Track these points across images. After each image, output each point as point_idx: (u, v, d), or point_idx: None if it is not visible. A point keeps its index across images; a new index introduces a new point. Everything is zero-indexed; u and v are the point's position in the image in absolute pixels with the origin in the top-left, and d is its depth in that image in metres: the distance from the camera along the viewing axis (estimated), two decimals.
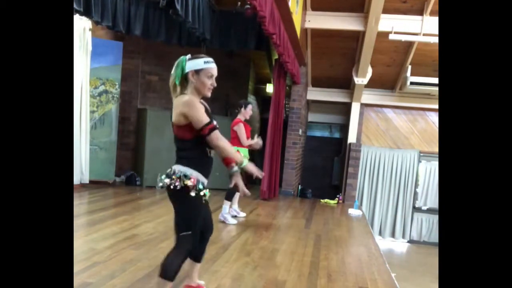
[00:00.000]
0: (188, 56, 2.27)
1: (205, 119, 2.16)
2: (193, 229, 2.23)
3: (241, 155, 2.36)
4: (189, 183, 2.16)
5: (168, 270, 2.18)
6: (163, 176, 2.27)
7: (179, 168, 2.21)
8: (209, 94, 2.28)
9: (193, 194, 2.17)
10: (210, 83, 2.25)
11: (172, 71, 2.27)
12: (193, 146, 2.23)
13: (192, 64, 2.22)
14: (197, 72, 2.22)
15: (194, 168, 2.22)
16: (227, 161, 2.36)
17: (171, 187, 2.20)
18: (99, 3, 4.73)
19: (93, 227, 4.07)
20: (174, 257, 2.20)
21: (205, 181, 2.29)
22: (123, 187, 6.57)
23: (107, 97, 6.48)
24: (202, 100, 2.31)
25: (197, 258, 2.58)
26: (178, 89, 2.26)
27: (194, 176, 2.19)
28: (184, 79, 2.24)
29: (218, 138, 2.19)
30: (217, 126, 2.24)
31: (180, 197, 2.22)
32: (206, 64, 2.24)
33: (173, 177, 2.20)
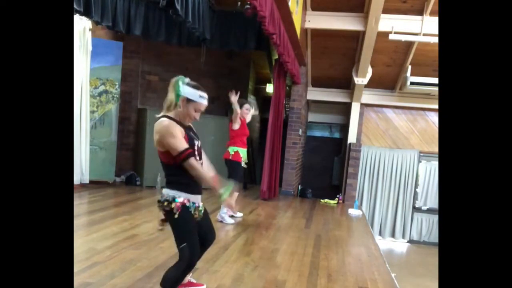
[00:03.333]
0: (186, 80, 2.29)
1: (180, 146, 2.18)
2: (188, 240, 2.29)
3: (221, 185, 2.29)
4: (174, 206, 2.24)
5: (168, 281, 2.30)
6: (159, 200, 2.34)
7: (167, 192, 2.30)
8: (197, 118, 2.33)
9: (177, 216, 2.24)
10: (194, 116, 2.30)
11: (170, 91, 2.30)
12: (178, 169, 2.26)
13: (187, 91, 2.25)
14: (188, 101, 2.25)
15: (182, 190, 2.29)
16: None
17: (162, 210, 2.31)
18: (99, 3, 4.73)
19: (93, 227, 4.07)
20: (174, 268, 2.31)
21: (198, 197, 2.38)
22: (123, 187, 6.57)
23: (107, 97, 6.48)
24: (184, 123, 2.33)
25: None
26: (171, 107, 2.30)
27: (181, 200, 2.27)
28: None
29: (192, 167, 2.21)
30: (197, 147, 2.31)
31: (170, 218, 2.29)
32: (200, 99, 2.27)
33: (164, 202, 2.28)
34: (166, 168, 2.33)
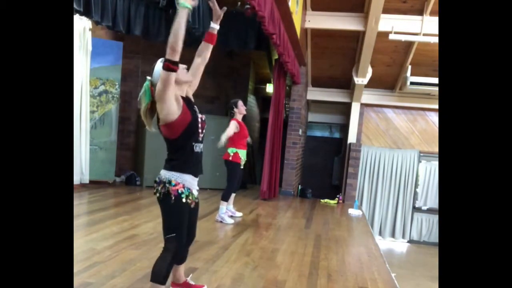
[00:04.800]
0: (147, 78, 2.30)
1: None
2: (177, 231, 2.24)
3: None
4: (171, 189, 2.20)
5: (157, 274, 2.22)
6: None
7: (164, 174, 2.25)
8: (190, 77, 2.32)
9: (173, 201, 2.20)
10: (181, 68, 2.25)
11: (140, 102, 2.33)
12: (180, 143, 2.24)
13: (156, 72, 2.27)
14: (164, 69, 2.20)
15: (180, 170, 2.24)
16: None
17: (157, 194, 2.25)
18: (99, 3, 4.72)
19: (93, 227, 4.07)
20: (161, 260, 2.24)
21: (195, 180, 2.32)
22: (123, 187, 6.57)
23: (107, 97, 6.48)
24: (187, 96, 2.34)
25: (180, 261, 2.58)
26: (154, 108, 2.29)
27: (179, 181, 2.22)
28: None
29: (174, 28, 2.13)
30: (200, 120, 2.30)
31: (164, 202, 2.25)
32: (163, 59, 2.24)
33: (159, 184, 2.24)
34: (169, 144, 2.29)
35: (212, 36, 2.47)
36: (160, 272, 2.21)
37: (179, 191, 2.22)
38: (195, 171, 2.31)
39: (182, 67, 2.25)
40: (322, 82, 8.26)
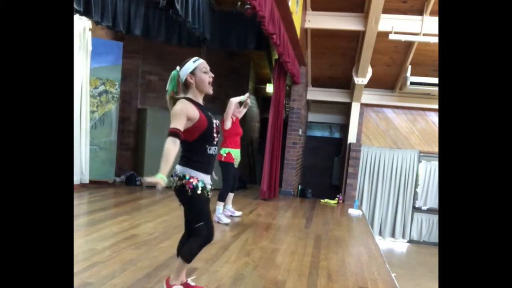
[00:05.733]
0: (178, 68, 2.44)
1: (174, 125, 2.26)
2: (204, 219, 2.41)
3: (162, 179, 2.20)
4: (187, 182, 2.34)
5: (189, 255, 2.41)
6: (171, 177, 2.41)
7: (179, 169, 2.39)
8: (211, 91, 2.44)
9: (190, 193, 2.34)
10: (208, 76, 2.42)
11: (167, 87, 2.43)
12: (194, 146, 2.38)
13: (185, 69, 2.41)
14: (192, 73, 2.40)
15: (193, 167, 2.38)
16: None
17: (173, 186, 2.39)
18: (99, 3, 4.72)
19: (93, 227, 4.07)
20: (193, 243, 2.41)
21: (207, 177, 2.46)
22: (123, 187, 6.57)
23: (107, 97, 6.48)
24: (201, 102, 2.45)
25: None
26: (177, 98, 2.40)
27: (193, 175, 2.36)
28: (185, 85, 2.41)
29: (167, 142, 2.25)
30: (215, 125, 2.43)
31: (182, 195, 2.39)
32: (196, 62, 2.42)
33: (175, 177, 2.38)
34: (184, 146, 2.40)
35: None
36: (190, 251, 2.40)
37: (194, 184, 2.35)
38: (207, 170, 2.46)
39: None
40: (322, 82, 8.26)
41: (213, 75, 2.44)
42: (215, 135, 2.44)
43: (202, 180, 2.40)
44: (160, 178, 2.15)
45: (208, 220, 2.44)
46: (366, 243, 4.59)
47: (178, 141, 2.25)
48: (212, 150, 2.44)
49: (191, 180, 2.34)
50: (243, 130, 5.34)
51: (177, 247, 2.60)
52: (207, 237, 2.42)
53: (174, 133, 2.25)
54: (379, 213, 8.49)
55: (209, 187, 2.47)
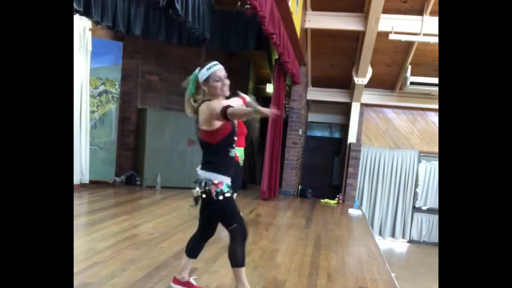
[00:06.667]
0: (197, 70, 2.46)
1: (219, 107, 2.27)
2: (237, 220, 2.45)
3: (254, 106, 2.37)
4: (214, 188, 2.38)
5: (237, 260, 2.44)
6: (196, 188, 2.46)
7: (205, 175, 2.43)
8: (225, 94, 2.44)
9: (220, 197, 2.39)
10: (221, 84, 2.41)
11: (186, 88, 2.47)
12: (217, 149, 2.43)
13: (200, 75, 2.42)
14: (205, 81, 2.41)
15: (218, 172, 2.42)
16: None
17: (202, 195, 2.42)
18: (99, 3, 4.72)
19: (93, 227, 4.07)
20: (236, 248, 2.44)
21: (229, 179, 2.49)
22: (123, 187, 6.57)
23: (107, 97, 6.48)
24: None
25: (193, 254, 2.71)
26: (197, 100, 2.43)
27: (219, 180, 2.41)
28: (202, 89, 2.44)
29: (234, 112, 2.26)
30: (235, 125, 2.48)
31: (210, 201, 2.42)
32: (210, 70, 2.42)
33: (202, 185, 2.41)
34: (206, 148, 2.45)
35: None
36: (237, 256, 2.44)
37: (220, 188, 2.40)
38: (230, 173, 2.49)
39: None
40: (322, 82, 8.26)
41: (227, 83, 2.43)
42: (235, 137, 2.50)
43: (227, 183, 2.44)
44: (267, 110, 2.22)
45: (240, 218, 2.48)
46: (366, 243, 4.59)
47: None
48: (232, 152, 2.49)
49: (218, 185, 2.39)
50: None
51: (187, 243, 2.68)
52: (244, 235, 2.47)
53: (226, 108, 2.23)
54: (379, 213, 8.49)
55: (230, 191, 2.50)
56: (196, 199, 2.48)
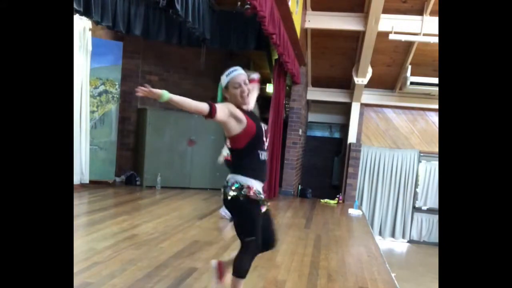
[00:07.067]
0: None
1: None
2: (255, 234, 2.27)
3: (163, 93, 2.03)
4: (242, 192, 2.25)
5: (241, 271, 2.27)
6: (223, 188, 2.35)
7: (235, 178, 2.30)
8: (247, 104, 2.32)
9: (243, 203, 2.25)
10: (240, 91, 2.27)
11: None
12: (245, 153, 2.31)
13: (221, 82, 2.33)
14: (226, 88, 2.31)
15: (247, 174, 2.29)
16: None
17: (228, 197, 2.28)
18: (99, 3, 4.72)
19: (93, 227, 4.07)
20: (245, 259, 2.28)
21: (261, 185, 2.36)
22: (123, 187, 6.57)
23: (107, 97, 6.48)
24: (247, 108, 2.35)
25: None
26: None
27: (248, 184, 2.27)
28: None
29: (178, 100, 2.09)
30: (264, 130, 2.36)
31: (236, 206, 2.29)
32: (229, 76, 2.30)
33: (230, 187, 2.28)
34: (235, 152, 2.36)
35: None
36: (243, 268, 2.28)
37: (249, 194, 2.26)
38: (261, 177, 2.36)
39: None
40: (322, 82, 8.26)
41: (246, 89, 2.28)
42: (264, 139, 2.37)
43: (258, 189, 2.30)
44: (162, 92, 2.00)
45: (258, 234, 2.29)
46: (366, 243, 4.59)
47: (205, 105, 2.10)
48: (263, 155, 2.35)
49: (246, 189, 2.25)
50: None
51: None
52: (255, 252, 2.32)
53: (209, 103, 2.13)
54: (379, 213, 8.49)
55: (262, 196, 2.34)
56: (227, 203, 2.34)
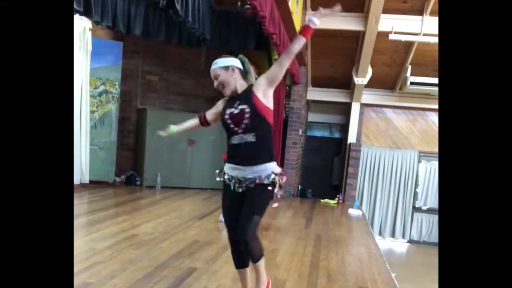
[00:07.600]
0: None
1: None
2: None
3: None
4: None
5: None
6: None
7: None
8: (226, 93, 2.42)
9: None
10: (216, 84, 2.42)
11: None
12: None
13: None
14: None
15: (227, 161, 2.45)
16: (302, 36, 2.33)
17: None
18: (99, 3, 4.72)
19: (93, 227, 4.07)
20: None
21: (236, 169, 2.45)
22: (123, 187, 6.57)
23: (107, 97, 6.48)
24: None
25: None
26: None
27: (224, 169, 2.46)
28: None
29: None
30: (230, 115, 2.37)
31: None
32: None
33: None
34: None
35: (307, 29, 2.36)
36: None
37: (223, 177, 2.46)
38: (233, 160, 2.41)
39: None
40: (322, 82, 8.25)
41: (216, 84, 2.40)
42: (230, 121, 2.37)
43: (227, 172, 2.46)
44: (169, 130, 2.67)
45: (226, 215, 2.49)
46: (366, 243, 4.59)
47: (197, 120, 2.61)
48: (236, 139, 2.37)
49: (222, 174, 2.46)
50: None
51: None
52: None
53: (199, 115, 2.57)
54: (379, 213, 8.49)
55: (227, 177, 2.46)
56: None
